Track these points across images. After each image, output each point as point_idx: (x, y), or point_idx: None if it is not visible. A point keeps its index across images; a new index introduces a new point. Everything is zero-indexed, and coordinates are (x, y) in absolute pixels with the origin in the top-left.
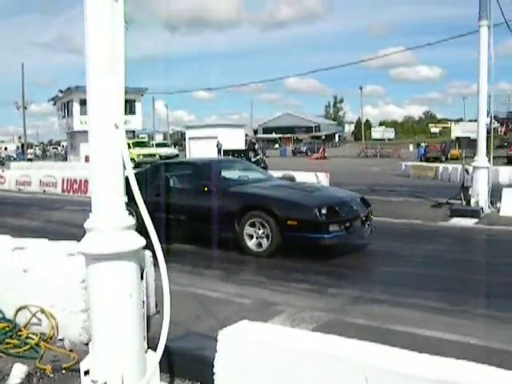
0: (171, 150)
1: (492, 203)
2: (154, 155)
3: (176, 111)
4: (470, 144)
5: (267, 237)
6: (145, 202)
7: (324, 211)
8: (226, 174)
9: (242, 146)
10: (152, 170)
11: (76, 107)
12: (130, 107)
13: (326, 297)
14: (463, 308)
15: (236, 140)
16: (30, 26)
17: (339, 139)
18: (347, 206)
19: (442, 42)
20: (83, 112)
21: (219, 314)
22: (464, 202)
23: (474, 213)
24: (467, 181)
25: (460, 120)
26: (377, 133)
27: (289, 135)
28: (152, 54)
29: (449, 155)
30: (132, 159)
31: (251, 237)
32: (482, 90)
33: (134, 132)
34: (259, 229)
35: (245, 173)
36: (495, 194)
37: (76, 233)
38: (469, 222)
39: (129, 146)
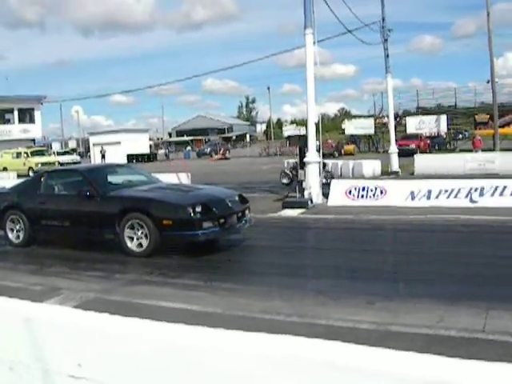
0: (72, 157)
1: (327, 195)
2: (54, 163)
3: (94, 116)
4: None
5: (146, 237)
6: (30, 209)
7: (198, 209)
8: (111, 178)
9: (146, 150)
10: (37, 178)
11: None
12: (29, 116)
13: (108, 281)
14: (213, 284)
15: (140, 145)
16: None
17: (250, 139)
18: (222, 204)
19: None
20: None
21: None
22: (299, 195)
23: (302, 204)
24: (301, 175)
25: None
26: (288, 131)
27: (200, 137)
28: (66, 58)
29: (342, 151)
30: (30, 168)
31: (131, 238)
32: (309, 90)
33: (34, 140)
34: (138, 230)
35: (129, 177)
36: None
37: None
38: (294, 213)
39: (27, 155)
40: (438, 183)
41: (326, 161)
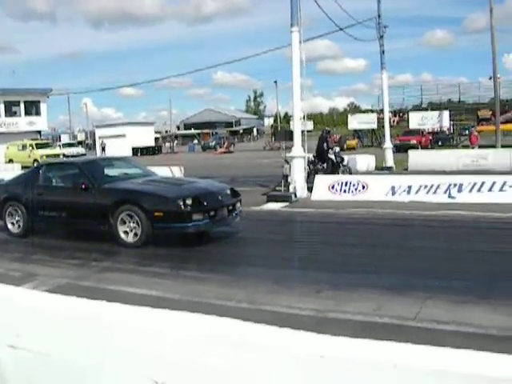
0: (77, 150)
1: (311, 189)
2: (58, 155)
3: (104, 108)
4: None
5: (138, 228)
6: (28, 200)
7: (189, 202)
8: (108, 171)
9: (151, 142)
10: (35, 170)
11: None
12: (35, 108)
13: (84, 268)
14: (179, 272)
15: (145, 137)
16: None
17: (258, 133)
18: (212, 197)
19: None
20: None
21: None
22: (284, 189)
23: (286, 198)
24: (286, 169)
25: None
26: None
27: (207, 130)
28: (76, 50)
29: (345, 145)
30: (35, 160)
31: (124, 229)
32: (295, 88)
33: (39, 132)
34: (131, 221)
35: (125, 170)
36: None
37: None
38: (277, 206)
39: (32, 148)
40: (418, 179)
41: (344, 156)
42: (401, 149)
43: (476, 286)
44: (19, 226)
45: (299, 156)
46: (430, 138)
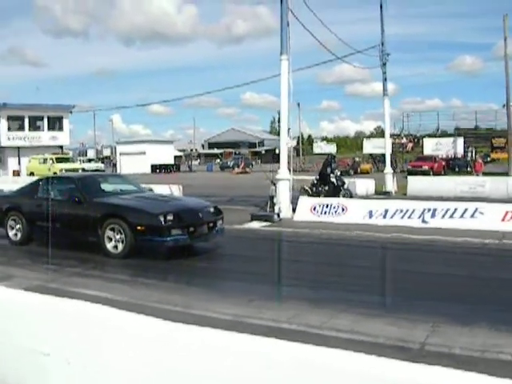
0: (96, 165)
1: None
2: (77, 170)
3: (133, 125)
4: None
5: (122, 240)
6: (28, 211)
7: (170, 217)
8: (103, 187)
9: (170, 160)
10: (35, 183)
11: (3, 123)
12: (58, 124)
13: (57, 273)
14: (138, 279)
15: (165, 155)
16: None
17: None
18: (193, 214)
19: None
20: (11, 128)
21: None
22: (270, 209)
23: (268, 218)
24: (272, 191)
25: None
26: (318, 148)
27: (230, 150)
28: (107, 67)
29: (358, 169)
30: (54, 173)
31: (110, 240)
32: (283, 111)
33: (61, 147)
34: (117, 234)
35: (120, 186)
36: None
37: None
38: (257, 225)
39: (52, 161)
40: (395, 203)
41: (345, 179)
42: (413, 174)
43: (394, 302)
44: (18, 234)
45: (285, 178)
46: (444, 163)
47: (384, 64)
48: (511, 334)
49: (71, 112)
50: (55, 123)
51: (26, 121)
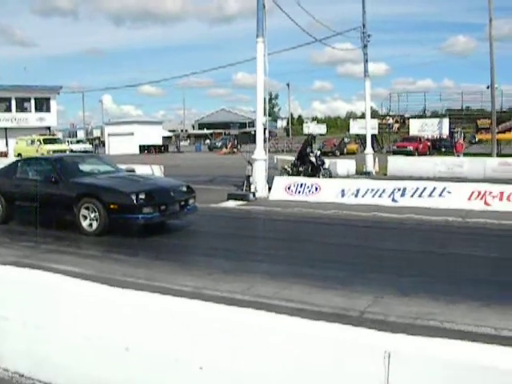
0: (84, 146)
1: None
2: (65, 151)
3: (124, 106)
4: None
5: (97, 219)
6: (7, 191)
7: (142, 196)
8: (79, 167)
9: (159, 141)
10: (14, 164)
11: None
12: (45, 105)
13: (33, 250)
14: (109, 255)
15: (153, 136)
16: None
17: (270, 135)
18: (164, 193)
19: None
20: None
21: None
22: (246, 189)
23: (244, 196)
24: (248, 171)
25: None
26: (307, 128)
27: (220, 131)
28: (97, 47)
29: (345, 150)
30: (42, 154)
31: (86, 218)
32: (259, 96)
33: (49, 128)
34: (92, 212)
35: (97, 166)
36: None
37: None
38: (233, 204)
39: (40, 143)
40: (366, 183)
41: (325, 159)
42: (399, 154)
43: (347, 275)
44: None
45: (260, 159)
46: (429, 144)
47: (365, 46)
48: (447, 304)
49: (58, 93)
50: (42, 104)
51: (13, 102)
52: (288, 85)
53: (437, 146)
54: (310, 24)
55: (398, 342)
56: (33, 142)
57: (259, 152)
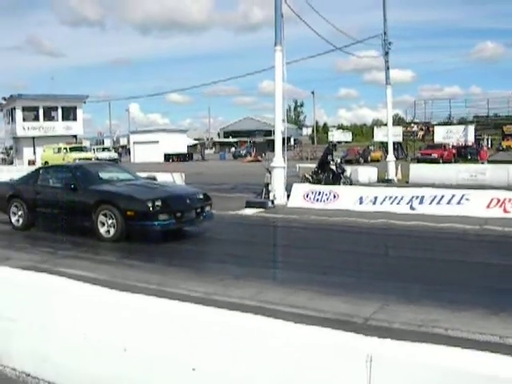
0: (110, 154)
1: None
2: (91, 159)
3: (151, 114)
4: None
5: (114, 225)
6: (29, 198)
7: (158, 203)
8: (99, 175)
9: (184, 149)
10: (35, 172)
11: (19, 114)
12: (72, 114)
13: (50, 255)
14: (123, 261)
15: (178, 144)
16: None
17: (295, 142)
18: (180, 200)
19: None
20: (26, 118)
21: None
22: (265, 196)
23: (262, 204)
24: (267, 178)
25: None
26: (332, 136)
27: (245, 139)
28: (124, 57)
29: (369, 157)
30: (68, 162)
31: (103, 225)
32: (277, 104)
33: (75, 137)
34: (109, 219)
35: (116, 174)
36: None
37: None
38: (251, 211)
39: (66, 151)
40: (385, 191)
41: (346, 167)
42: (423, 162)
43: (356, 282)
44: (21, 220)
45: (279, 166)
46: (454, 151)
47: (386, 53)
48: (454, 312)
49: (85, 102)
50: (69, 113)
51: (41, 111)
52: (313, 92)
53: (462, 154)
54: (332, 33)
55: (380, 346)
56: (59, 150)
57: (278, 160)
